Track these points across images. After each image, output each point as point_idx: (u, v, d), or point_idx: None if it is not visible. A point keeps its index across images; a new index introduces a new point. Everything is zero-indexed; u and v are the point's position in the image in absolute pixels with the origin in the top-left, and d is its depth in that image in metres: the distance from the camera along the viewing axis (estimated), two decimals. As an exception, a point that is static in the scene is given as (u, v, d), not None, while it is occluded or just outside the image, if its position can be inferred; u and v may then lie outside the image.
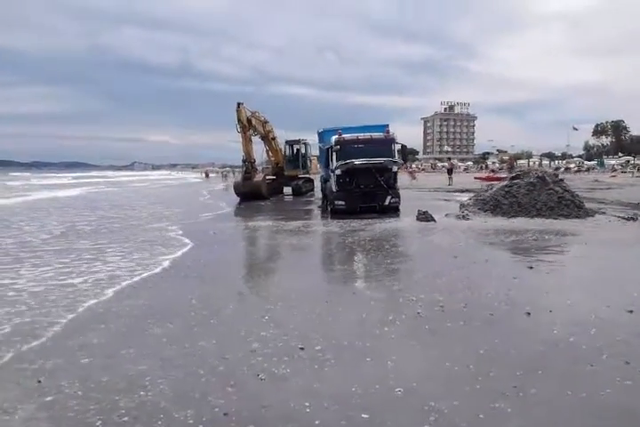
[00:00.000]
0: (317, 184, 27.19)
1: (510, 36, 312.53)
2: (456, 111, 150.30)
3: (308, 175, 28.48)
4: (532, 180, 12.63)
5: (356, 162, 14.93)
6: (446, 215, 13.21)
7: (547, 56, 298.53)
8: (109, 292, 6.41)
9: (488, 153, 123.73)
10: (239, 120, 22.24)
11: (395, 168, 15.74)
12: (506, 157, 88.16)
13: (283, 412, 3.21)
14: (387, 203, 15.26)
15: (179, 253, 9.15)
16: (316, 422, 3.07)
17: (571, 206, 12.15)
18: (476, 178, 35.55)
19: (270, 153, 27.20)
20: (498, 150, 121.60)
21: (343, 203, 15.33)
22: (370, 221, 13.22)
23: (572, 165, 50.42)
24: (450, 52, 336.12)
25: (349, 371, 3.81)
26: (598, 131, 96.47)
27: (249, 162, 23.53)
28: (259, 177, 23.79)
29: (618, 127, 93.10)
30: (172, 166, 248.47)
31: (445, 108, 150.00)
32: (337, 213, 15.17)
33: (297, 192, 26.38)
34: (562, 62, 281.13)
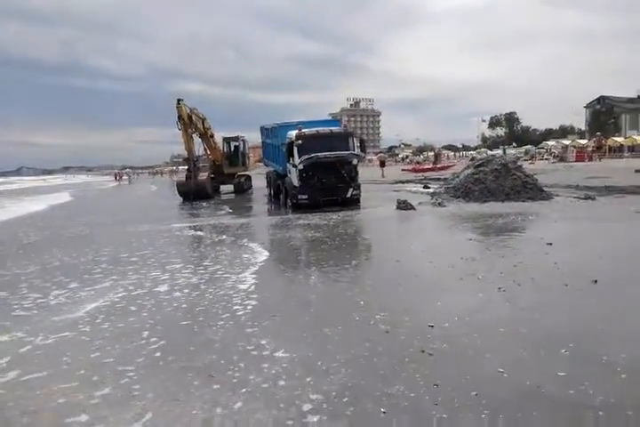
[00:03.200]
0: (257, 181, 27.20)
1: (406, 33, 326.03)
2: (362, 107, 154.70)
3: (246, 172, 28.16)
4: (496, 167, 13.61)
5: (320, 155, 15.07)
6: (420, 204, 13.80)
7: (442, 52, 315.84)
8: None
9: (394, 146, 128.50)
10: (180, 117, 21.51)
11: (355, 161, 16.14)
12: (409, 151, 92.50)
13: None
14: (348, 195, 15.59)
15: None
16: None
17: (534, 190, 13.30)
18: (403, 170, 37.06)
19: (208, 151, 26.50)
20: (403, 144, 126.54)
21: (306, 197, 15.43)
22: (348, 213, 13.51)
23: (483, 155, 54.19)
24: (348, 49, 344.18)
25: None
26: (493, 123, 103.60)
27: (192, 160, 22.86)
28: (203, 175, 23.17)
29: (510, 119, 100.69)
30: (65, 170, 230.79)
31: (351, 104, 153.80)
32: (299, 208, 15.24)
33: (239, 190, 26.02)
34: (457, 58, 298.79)
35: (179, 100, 21.39)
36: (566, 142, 56.30)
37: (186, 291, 6.31)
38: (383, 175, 31.88)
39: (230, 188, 26.56)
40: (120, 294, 6.26)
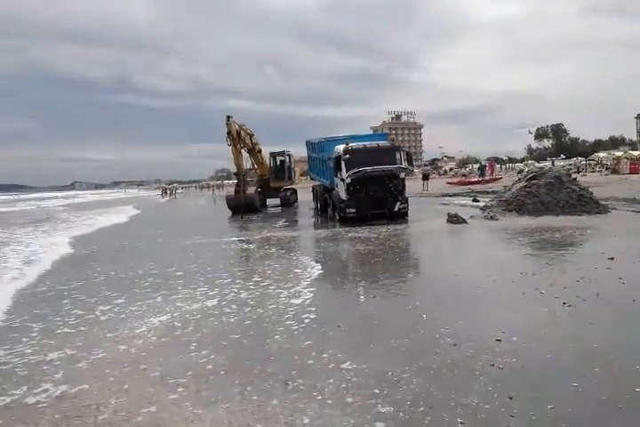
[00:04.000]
0: (302, 195, 27.61)
1: (446, 46, 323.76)
2: (403, 120, 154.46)
3: (292, 186, 28.65)
4: (549, 180, 13.36)
5: (368, 169, 15.19)
6: (471, 217, 13.68)
7: (482, 64, 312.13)
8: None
9: (437, 159, 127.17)
10: (229, 133, 22.09)
11: (403, 175, 16.17)
12: (453, 163, 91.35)
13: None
14: (396, 209, 15.58)
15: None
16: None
17: (590, 203, 12.98)
18: (448, 183, 36.68)
19: (256, 165, 27.15)
20: (446, 156, 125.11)
21: (354, 210, 15.53)
22: (398, 227, 13.54)
23: (531, 167, 52.93)
24: (389, 63, 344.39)
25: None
26: (540, 134, 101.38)
27: (241, 175, 23.45)
28: (251, 189, 23.76)
29: (558, 130, 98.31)
30: (116, 184, 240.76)
31: (393, 118, 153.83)
32: (347, 221, 15.34)
33: (286, 203, 26.51)
34: (497, 70, 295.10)
35: (228, 117, 22.01)
36: (618, 154, 54.36)
37: (246, 304, 6.49)
38: (427, 189, 31.54)
39: (277, 201, 27.09)
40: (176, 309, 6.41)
